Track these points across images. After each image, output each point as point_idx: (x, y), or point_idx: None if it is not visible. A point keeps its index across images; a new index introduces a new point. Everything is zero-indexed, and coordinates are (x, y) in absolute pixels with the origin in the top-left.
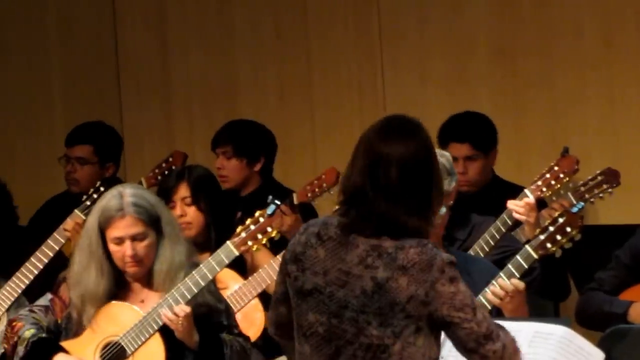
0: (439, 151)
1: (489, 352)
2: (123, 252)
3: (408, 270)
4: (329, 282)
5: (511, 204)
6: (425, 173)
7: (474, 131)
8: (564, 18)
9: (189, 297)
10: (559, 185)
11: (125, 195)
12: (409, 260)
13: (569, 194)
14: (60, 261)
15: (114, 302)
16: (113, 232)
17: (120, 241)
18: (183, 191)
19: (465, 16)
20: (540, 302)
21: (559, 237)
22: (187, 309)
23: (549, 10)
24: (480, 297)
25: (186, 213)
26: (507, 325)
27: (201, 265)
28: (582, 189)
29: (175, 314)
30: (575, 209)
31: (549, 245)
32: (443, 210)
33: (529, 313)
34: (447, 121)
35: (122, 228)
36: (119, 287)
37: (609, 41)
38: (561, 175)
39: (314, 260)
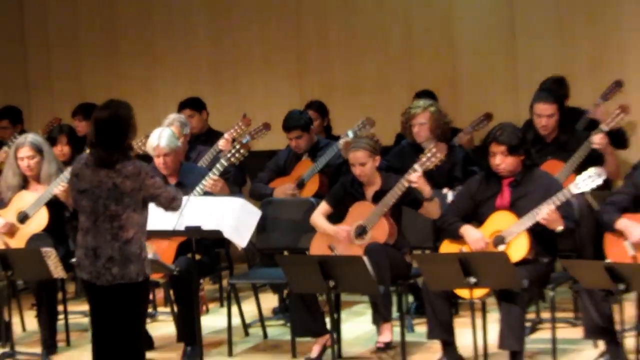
0: (177, 116)
1: (173, 204)
2: (23, 165)
3: (130, 177)
4: (91, 186)
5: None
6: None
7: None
8: None
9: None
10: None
11: (27, 137)
12: (129, 172)
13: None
14: None
15: (23, 191)
16: (18, 154)
17: (22, 159)
18: (63, 140)
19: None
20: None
21: (237, 146)
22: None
23: None
24: (198, 188)
25: (63, 150)
26: (220, 201)
27: (64, 171)
28: None
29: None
30: (244, 141)
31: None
32: (179, 143)
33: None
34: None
35: (22, 151)
36: (25, 183)
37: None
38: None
39: (84, 176)
